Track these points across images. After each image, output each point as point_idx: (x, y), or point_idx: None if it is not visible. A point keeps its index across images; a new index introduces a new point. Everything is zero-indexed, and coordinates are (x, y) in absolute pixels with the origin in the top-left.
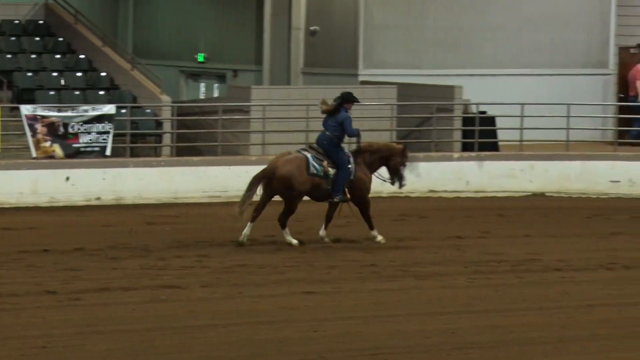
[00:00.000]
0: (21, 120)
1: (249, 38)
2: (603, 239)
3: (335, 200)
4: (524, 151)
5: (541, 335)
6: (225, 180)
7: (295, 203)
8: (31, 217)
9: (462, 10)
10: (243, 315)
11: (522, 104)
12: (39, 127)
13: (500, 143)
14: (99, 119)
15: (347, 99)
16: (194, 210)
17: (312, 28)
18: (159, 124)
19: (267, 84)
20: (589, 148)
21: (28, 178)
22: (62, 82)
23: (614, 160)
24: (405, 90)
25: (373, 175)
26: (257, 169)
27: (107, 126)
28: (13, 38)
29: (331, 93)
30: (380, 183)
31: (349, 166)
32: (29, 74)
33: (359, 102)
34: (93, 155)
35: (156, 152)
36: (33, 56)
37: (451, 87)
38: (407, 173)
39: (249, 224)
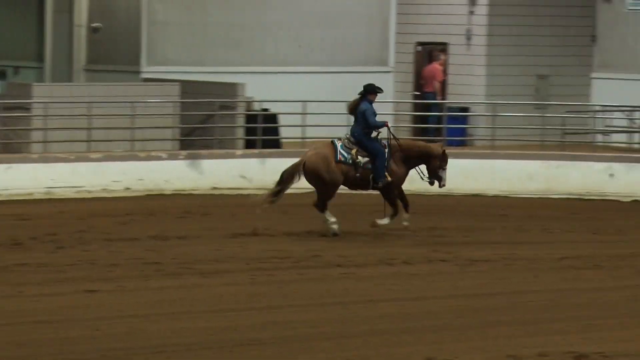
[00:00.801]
0: None
1: (30, 35)
2: (382, 235)
3: (379, 185)
4: (307, 148)
5: (323, 331)
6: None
7: (329, 193)
8: None
9: (244, 7)
10: (23, 315)
11: (304, 102)
12: None
13: (282, 140)
14: None
15: (369, 91)
16: None
17: (94, 25)
18: None
19: (49, 81)
20: None
21: None
22: None
23: None
24: (188, 88)
25: (415, 171)
26: (38, 167)
27: None
28: None
29: (114, 91)
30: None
31: (385, 150)
32: None
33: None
34: None
35: None
36: None
37: (234, 85)
38: (446, 174)
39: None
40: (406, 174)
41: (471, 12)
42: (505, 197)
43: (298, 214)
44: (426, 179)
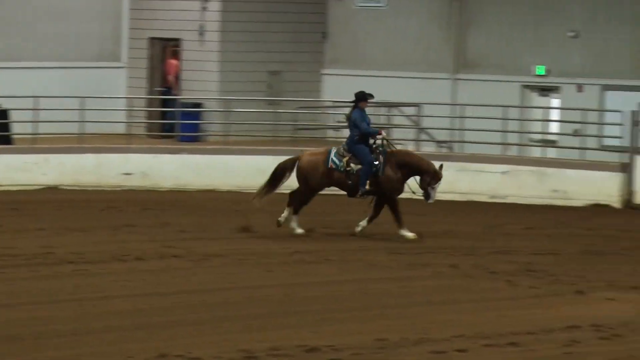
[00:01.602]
0: None
1: None
2: (116, 231)
3: (359, 193)
4: (39, 144)
5: (55, 328)
6: None
7: (307, 196)
8: None
9: None
10: None
11: (37, 97)
12: None
13: (14, 136)
14: None
15: (359, 98)
16: None
17: None
18: None
19: None
20: (104, 141)
21: None
22: None
23: (127, 153)
24: None
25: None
26: None
27: None
28: None
29: None
30: None
31: (375, 162)
32: None
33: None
34: None
35: None
36: None
37: None
38: (434, 192)
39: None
40: (403, 180)
41: (204, 8)
42: (238, 192)
43: (29, 211)
44: (419, 193)
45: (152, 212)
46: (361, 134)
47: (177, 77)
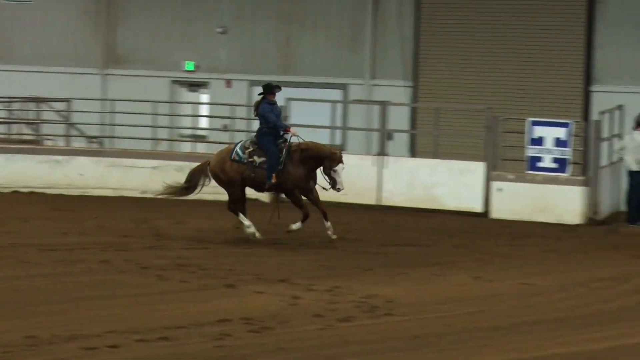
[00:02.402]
0: None
1: None
2: None
3: (266, 186)
4: None
5: None
6: None
7: (232, 190)
8: None
9: None
10: None
11: None
12: None
13: None
14: None
15: (267, 90)
16: None
17: None
18: None
19: None
20: None
21: None
22: None
23: None
24: None
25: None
26: None
27: None
28: None
29: None
30: None
31: (279, 155)
32: None
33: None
34: None
35: None
36: None
37: None
38: (339, 177)
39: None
40: (304, 175)
41: None
42: None
43: None
44: (327, 185)
45: None
46: (269, 127)
47: None
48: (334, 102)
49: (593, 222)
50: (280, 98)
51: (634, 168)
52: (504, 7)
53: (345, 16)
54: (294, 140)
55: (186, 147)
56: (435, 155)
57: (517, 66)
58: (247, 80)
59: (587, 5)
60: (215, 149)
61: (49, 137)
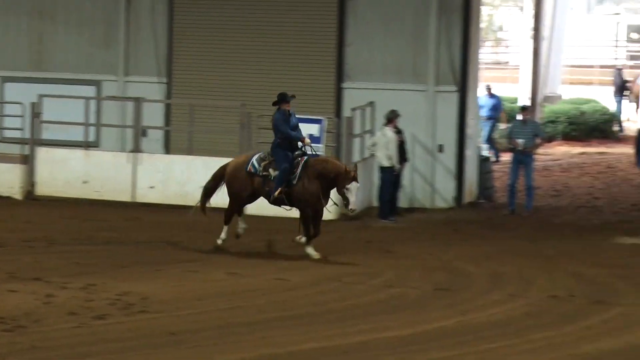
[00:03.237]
0: None
1: None
2: None
3: (271, 197)
4: None
5: None
6: None
7: (234, 202)
8: None
9: None
10: None
11: None
12: None
13: None
14: None
15: (280, 100)
16: None
17: None
18: None
19: None
20: None
21: None
22: None
23: None
24: None
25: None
26: None
27: None
28: None
29: None
30: None
31: (290, 170)
32: None
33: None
34: None
35: None
36: None
37: None
38: (353, 197)
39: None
40: (318, 191)
41: None
42: None
43: None
44: (341, 204)
45: None
46: (283, 138)
47: None
48: (87, 98)
49: (345, 217)
50: (31, 95)
51: (386, 164)
52: (257, 3)
53: (98, 12)
54: (307, 150)
55: None
56: (190, 151)
57: (271, 63)
58: None
59: (338, 1)
60: None
61: None
